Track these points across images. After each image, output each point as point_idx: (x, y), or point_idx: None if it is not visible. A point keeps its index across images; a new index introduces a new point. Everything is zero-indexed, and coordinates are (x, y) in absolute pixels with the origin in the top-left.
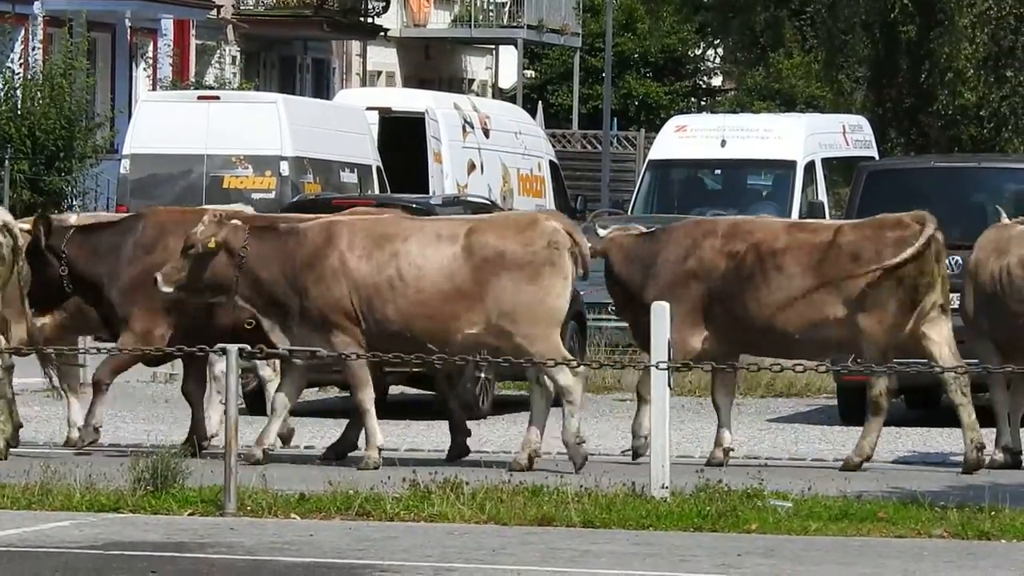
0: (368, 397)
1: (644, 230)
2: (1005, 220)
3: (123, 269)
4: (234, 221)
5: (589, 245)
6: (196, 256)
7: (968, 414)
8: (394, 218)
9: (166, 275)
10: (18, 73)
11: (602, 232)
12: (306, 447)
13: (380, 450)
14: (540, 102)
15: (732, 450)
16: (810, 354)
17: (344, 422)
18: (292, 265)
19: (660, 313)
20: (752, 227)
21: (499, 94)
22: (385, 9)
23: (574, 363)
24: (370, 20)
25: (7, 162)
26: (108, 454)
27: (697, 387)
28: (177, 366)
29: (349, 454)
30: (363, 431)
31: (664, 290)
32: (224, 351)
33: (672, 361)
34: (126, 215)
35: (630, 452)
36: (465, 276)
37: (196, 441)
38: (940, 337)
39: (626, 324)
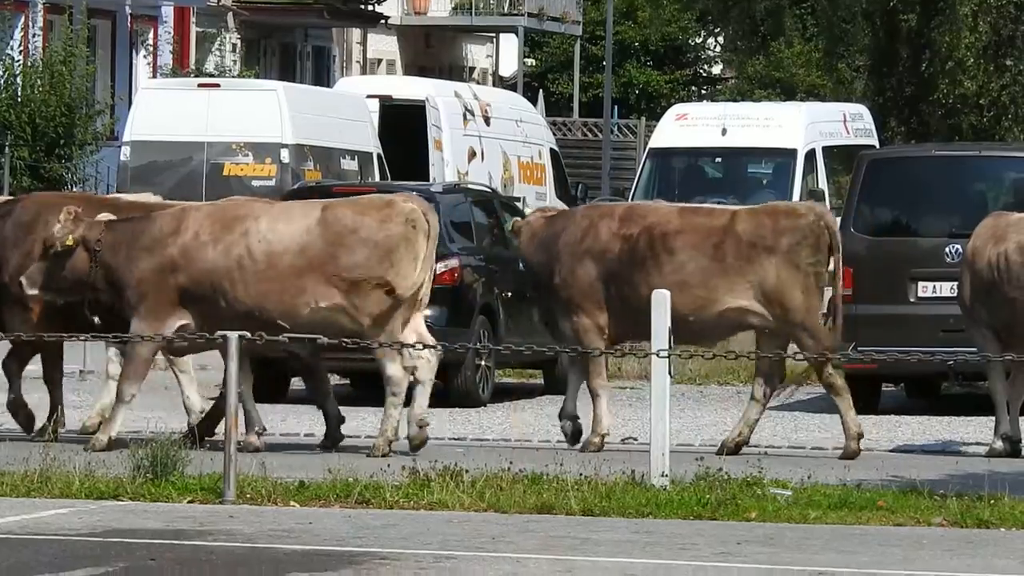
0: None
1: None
2: None
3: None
4: (100, 217)
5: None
6: (56, 255)
7: (847, 403)
8: (245, 200)
9: (30, 277)
10: (18, 60)
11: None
12: (306, 435)
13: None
14: (541, 90)
15: (607, 435)
16: (702, 339)
17: (344, 409)
18: (137, 253)
19: (660, 301)
20: (646, 211)
21: (500, 82)
22: None
23: (419, 347)
24: (370, 8)
25: (7, 149)
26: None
27: (697, 375)
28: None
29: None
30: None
31: (564, 272)
32: (225, 338)
33: (672, 350)
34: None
35: (630, 439)
36: (318, 250)
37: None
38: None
39: None
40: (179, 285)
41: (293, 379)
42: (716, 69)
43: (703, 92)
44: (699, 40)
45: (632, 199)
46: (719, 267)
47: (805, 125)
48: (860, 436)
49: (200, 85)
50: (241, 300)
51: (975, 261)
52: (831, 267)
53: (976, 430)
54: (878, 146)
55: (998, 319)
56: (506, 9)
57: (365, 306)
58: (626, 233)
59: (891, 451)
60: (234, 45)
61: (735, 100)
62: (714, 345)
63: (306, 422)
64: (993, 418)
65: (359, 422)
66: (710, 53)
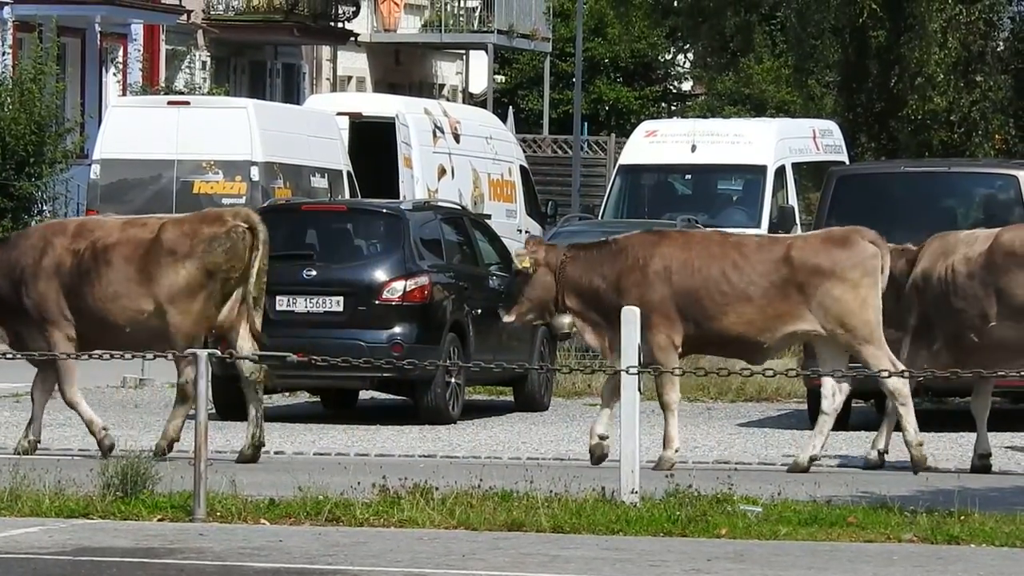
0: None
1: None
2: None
3: None
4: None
5: None
6: None
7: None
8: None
9: None
10: None
11: None
12: (276, 452)
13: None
14: (511, 107)
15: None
16: (133, 345)
17: (314, 426)
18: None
19: (630, 318)
20: (95, 226)
21: (469, 99)
22: (355, 14)
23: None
24: (340, 25)
25: None
26: (78, 460)
27: None
28: (148, 370)
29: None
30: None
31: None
32: (195, 356)
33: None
34: None
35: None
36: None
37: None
38: (245, 331)
39: None
40: None
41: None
42: (686, 86)
43: (673, 109)
44: (669, 57)
45: (602, 216)
46: (139, 277)
47: (775, 141)
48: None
49: (170, 103)
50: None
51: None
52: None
53: (947, 446)
54: (848, 162)
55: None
56: (476, 26)
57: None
58: (75, 248)
59: (862, 468)
60: (204, 63)
61: (705, 116)
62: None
63: (275, 439)
64: (962, 433)
65: (328, 440)
66: (680, 70)
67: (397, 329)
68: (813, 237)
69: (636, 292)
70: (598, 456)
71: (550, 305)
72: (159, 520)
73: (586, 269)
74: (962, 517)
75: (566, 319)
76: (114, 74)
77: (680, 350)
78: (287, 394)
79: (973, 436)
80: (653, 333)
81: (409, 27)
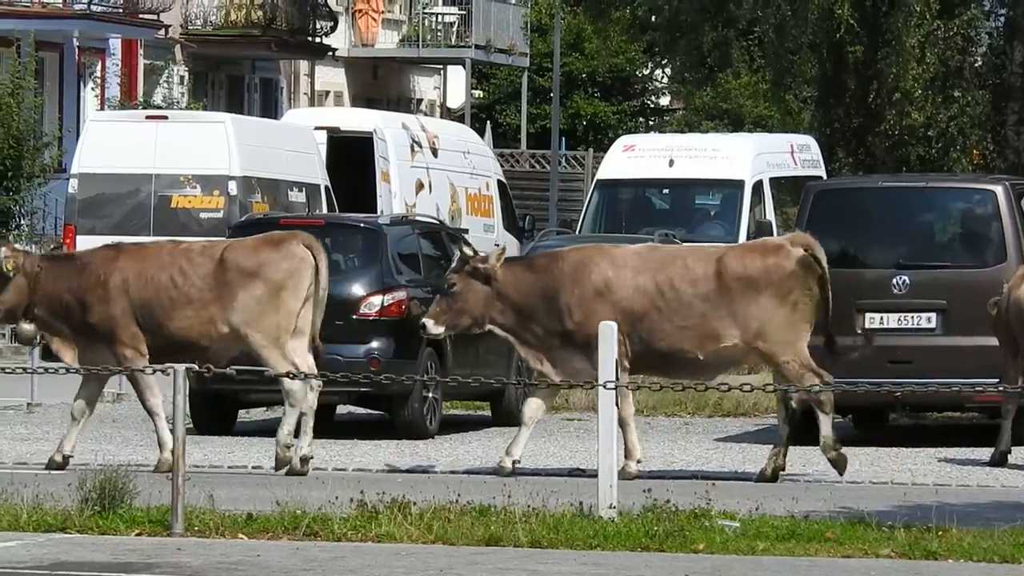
0: None
1: None
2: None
3: None
4: None
5: None
6: None
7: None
8: None
9: None
10: None
11: None
12: (254, 467)
13: None
14: (488, 122)
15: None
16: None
17: (292, 441)
18: None
19: (607, 334)
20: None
21: (447, 114)
22: (333, 29)
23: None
24: (318, 40)
25: None
26: (55, 475)
27: (645, 406)
28: (124, 385)
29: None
30: None
31: None
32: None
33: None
34: None
35: (578, 471)
36: None
37: None
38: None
39: None
40: None
41: (240, 411)
42: (664, 100)
43: (651, 123)
44: (647, 72)
45: (580, 231)
46: None
47: (753, 156)
48: None
49: (148, 117)
50: None
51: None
52: None
53: (924, 461)
54: (825, 177)
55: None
56: (453, 41)
57: None
58: None
59: (839, 482)
60: (182, 77)
61: (683, 131)
62: None
63: (254, 454)
64: (940, 450)
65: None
66: (657, 84)
67: (374, 344)
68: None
69: (99, 308)
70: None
71: (18, 311)
72: (137, 535)
73: (57, 281)
74: (940, 533)
75: (29, 327)
76: (92, 89)
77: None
78: (265, 408)
79: (951, 451)
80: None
81: (387, 42)
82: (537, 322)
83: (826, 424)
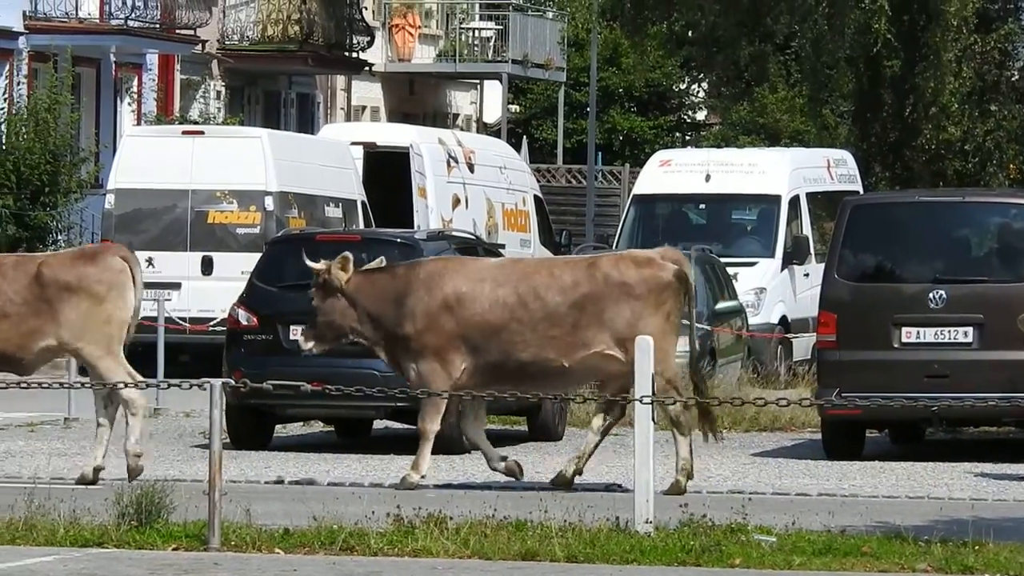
0: None
1: None
2: None
3: None
4: None
5: None
6: None
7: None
8: None
9: None
10: (3, 108)
11: None
12: (291, 482)
13: None
14: (525, 137)
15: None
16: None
17: (328, 456)
18: None
19: (644, 348)
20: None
21: (484, 129)
22: (370, 44)
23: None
24: (355, 55)
25: None
26: (92, 490)
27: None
28: (162, 400)
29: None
30: None
31: None
32: (210, 385)
33: (656, 396)
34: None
35: (615, 486)
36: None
37: None
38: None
39: None
40: None
41: (277, 426)
42: (700, 115)
43: (687, 138)
44: (683, 86)
45: (616, 246)
46: None
47: (789, 171)
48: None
49: (184, 132)
50: None
51: None
52: None
53: (961, 475)
54: (862, 192)
55: None
56: (490, 56)
57: None
58: None
59: (876, 497)
60: (218, 92)
61: (719, 146)
62: None
63: (291, 468)
64: (977, 464)
65: (343, 469)
66: (694, 99)
67: None
68: None
69: None
70: None
71: None
72: (174, 549)
73: None
74: (977, 547)
75: None
76: (129, 104)
77: None
78: (302, 424)
79: (987, 465)
80: None
81: (424, 57)
82: (388, 329)
83: (683, 446)
